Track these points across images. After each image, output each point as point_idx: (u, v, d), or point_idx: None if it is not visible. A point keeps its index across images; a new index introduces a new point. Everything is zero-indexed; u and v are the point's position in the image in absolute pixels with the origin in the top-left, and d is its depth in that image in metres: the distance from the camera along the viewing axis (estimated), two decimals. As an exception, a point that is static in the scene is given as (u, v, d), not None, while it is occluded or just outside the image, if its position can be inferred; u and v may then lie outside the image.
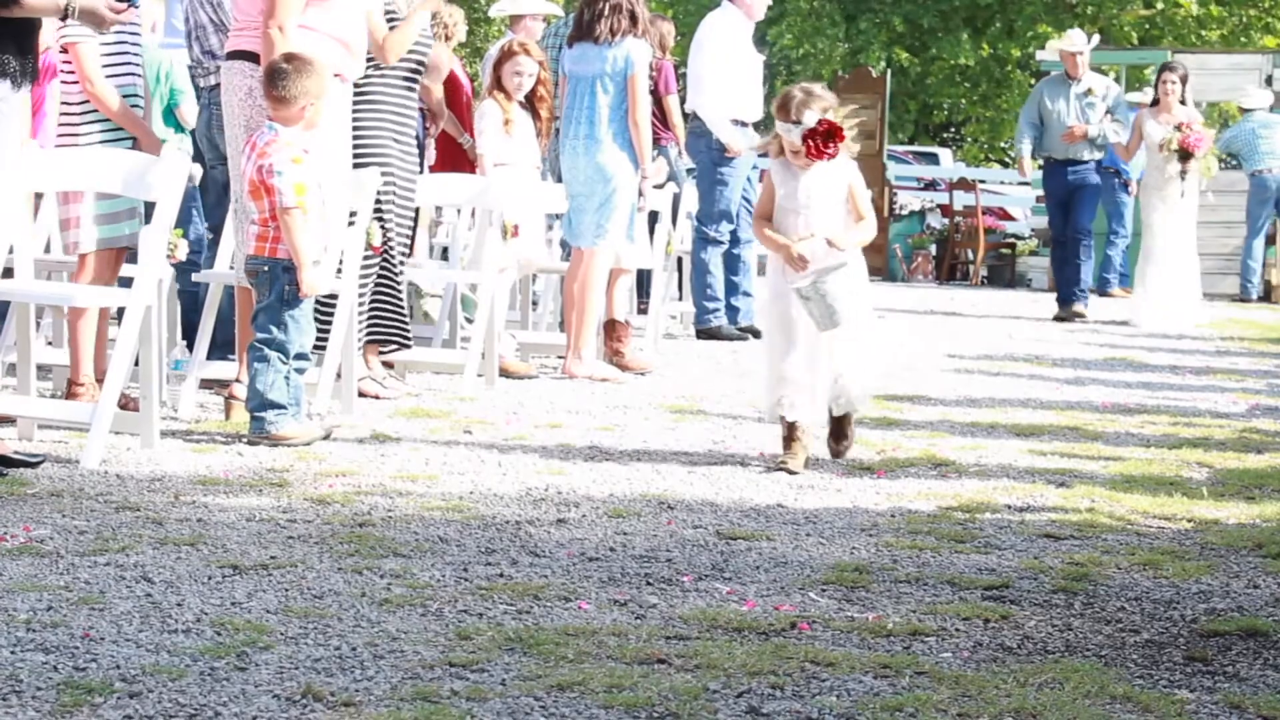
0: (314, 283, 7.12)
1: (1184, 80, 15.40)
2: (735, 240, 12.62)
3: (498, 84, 10.49)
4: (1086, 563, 5.38)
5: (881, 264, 21.90)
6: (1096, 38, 17.00)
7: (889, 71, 28.16)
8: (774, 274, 7.13)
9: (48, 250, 8.37)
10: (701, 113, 12.31)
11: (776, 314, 7.06)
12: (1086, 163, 15.83)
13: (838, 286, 6.76)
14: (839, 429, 7.30)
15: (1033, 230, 22.45)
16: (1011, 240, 22.58)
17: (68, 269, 8.16)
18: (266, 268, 7.11)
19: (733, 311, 12.62)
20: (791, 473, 6.88)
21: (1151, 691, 4.03)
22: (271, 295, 7.11)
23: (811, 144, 6.85)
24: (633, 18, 9.81)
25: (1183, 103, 15.24)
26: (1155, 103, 15.45)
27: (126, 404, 7.30)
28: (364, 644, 4.19)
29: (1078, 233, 15.84)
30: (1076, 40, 16.38)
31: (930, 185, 26.48)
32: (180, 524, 5.52)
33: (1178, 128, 14.87)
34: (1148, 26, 31.54)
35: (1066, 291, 15.78)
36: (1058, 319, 15.35)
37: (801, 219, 7.00)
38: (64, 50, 7.59)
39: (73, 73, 7.58)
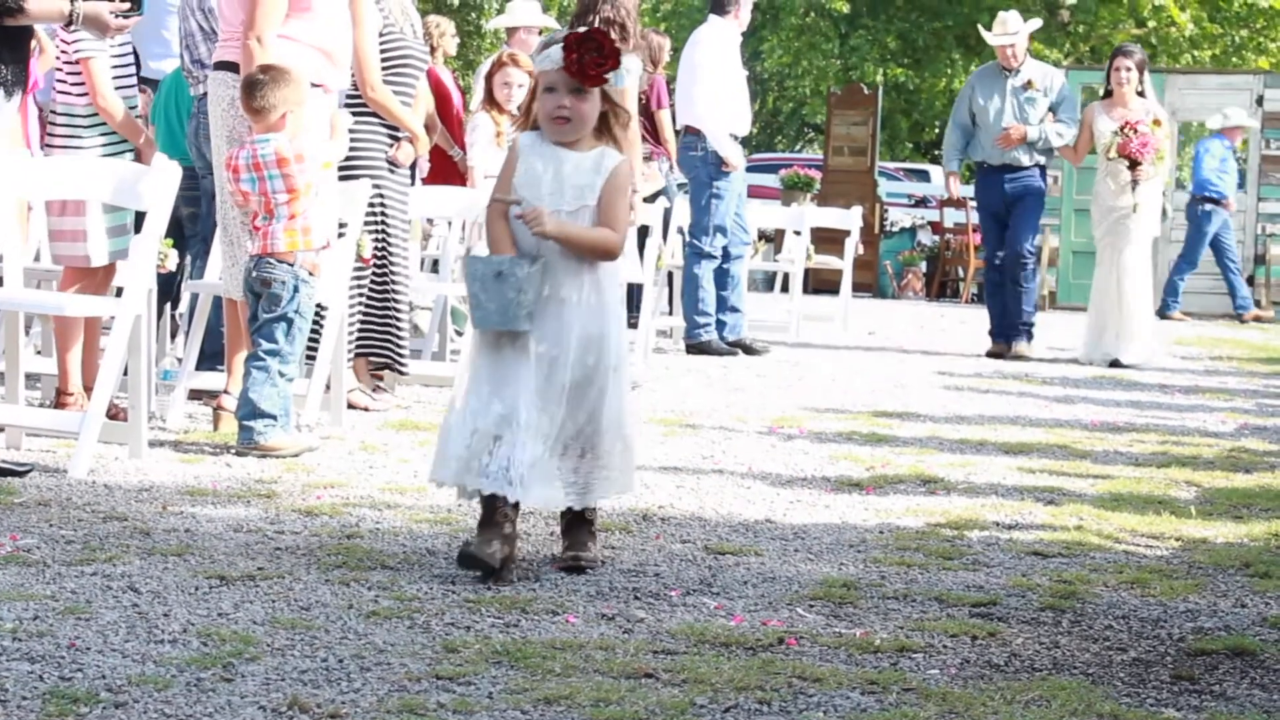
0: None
1: (1141, 67, 13.08)
2: (725, 255, 12.65)
3: (490, 97, 10.50)
4: (1074, 580, 5.38)
5: (872, 280, 21.96)
6: (1037, 21, 14.21)
7: (881, 88, 28.21)
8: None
9: (37, 259, 8.37)
10: (701, 126, 12.35)
11: (491, 339, 5.20)
12: (1027, 169, 13.17)
13: (527, 281, 5.09)
14: (575, 528, 5.34)
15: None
16: (1002, 258, 22.58)
17: (56, 278, 8.17)
18: (285, 278, 7.07)
19: (720, 326, 12.63)
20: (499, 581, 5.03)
21: (1138, 710, 4.03)
22: (287, 305, 7.07)
23: (573, 56, 5.11)
24: (623, 32, 9.81)
25: (1140, 94, 12.98)
26: (1108, 94, 13.12)
27: (115, 414, 7.29)
28: (351, 656, 4.19)
29: (1019, 254, 13.25)
30: (1010, 24, 13.44)
31: (921, 202, 26.52)
32: (168, 534, 5.51)
33: (1121, 129, 12.68)
34: (1140, 45, 31.58)
35: (1003, 324, 13.36)
36: (991, 355, 13.23)
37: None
38: (71, 63, 7.69)
39: (80, 84, 7.68)
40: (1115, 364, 12.60)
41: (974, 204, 14.81)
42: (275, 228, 7.07)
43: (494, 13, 28.26)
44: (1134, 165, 12.65)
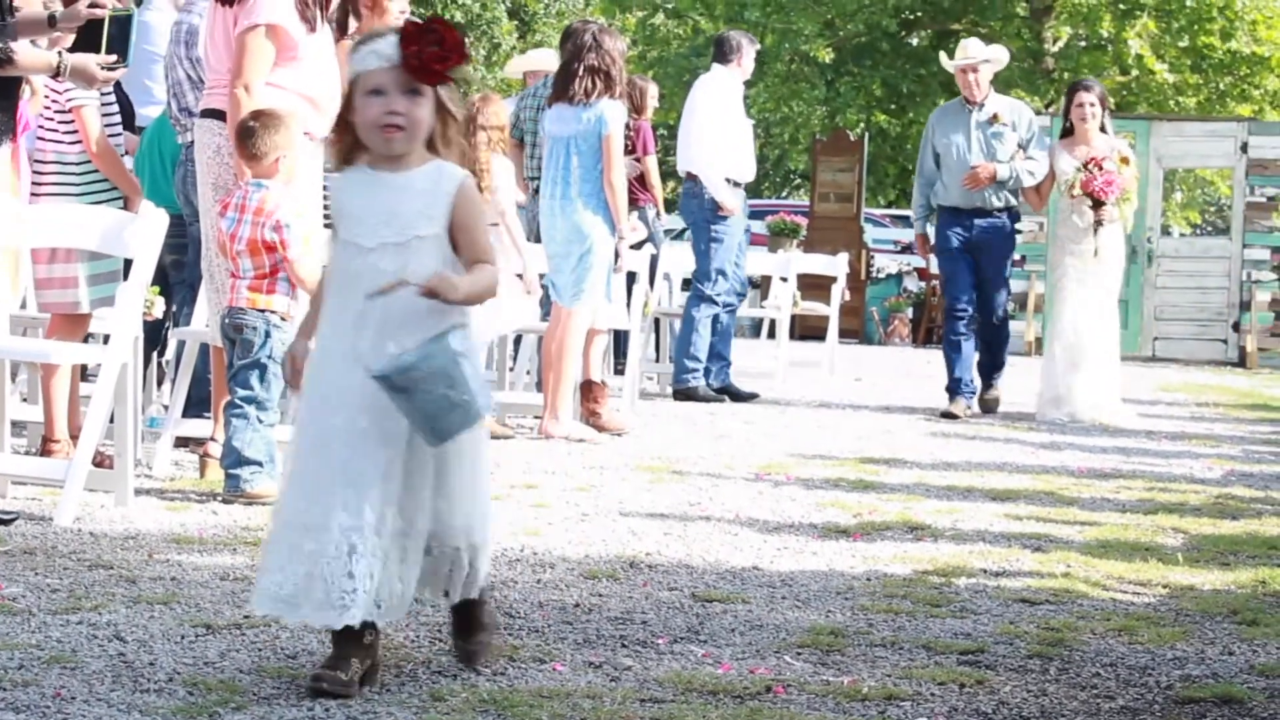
0: None
1: (1103, 102, 11.97)
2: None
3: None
4: (1062, 628, 5.37)
5: (858, 326, 21.99)
6: (1001, 49, 12.81)
7: (867, 135, 28.30)
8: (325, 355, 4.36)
9: (23, 306, 8.36)
10: (698, 172, 12.43)
11: (315, 429, 4.34)
12: (997, 213, 12.12)
13: (453, 367, 4.15)
14: (466, 620, 4.59)
15: (1009, 295, 22.48)
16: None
17: (42, 325, 8.16)
18: (257, 324, 7.11)
19: (706, 373, 12.65)
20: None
21: (1127, 758, 4.02)
22: (259, 351, 7.10)
23: (413, 49, 4.25)
24: (607, 79, 9.84)
25: (1103, 130, 11.96)
26: (1068, 131, 12.07)
27: (101, 461, 7.28)
28: (337, 705, 4.17)
29: (995, 312, 12.27)
30: (971, 49, 12.36)
31: (907, 249, 26.60)
32: (154, 582, 5.49)
33: (1085, 165, 11.67)
34: (1124, 93, 31.74)
35: (960, 382, 12.18)
36: (985, 408, 12.36)
37: (372, 257, 4.29)
38: (63, 111, 7.73)
39: (72, 131, 7.73)
40: (1072, 419, 11.72)
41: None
42: (241, 282, 7.14)
43: (481, 62, 28.37)
44: (1097, 205, 11.67)
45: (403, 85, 4.26)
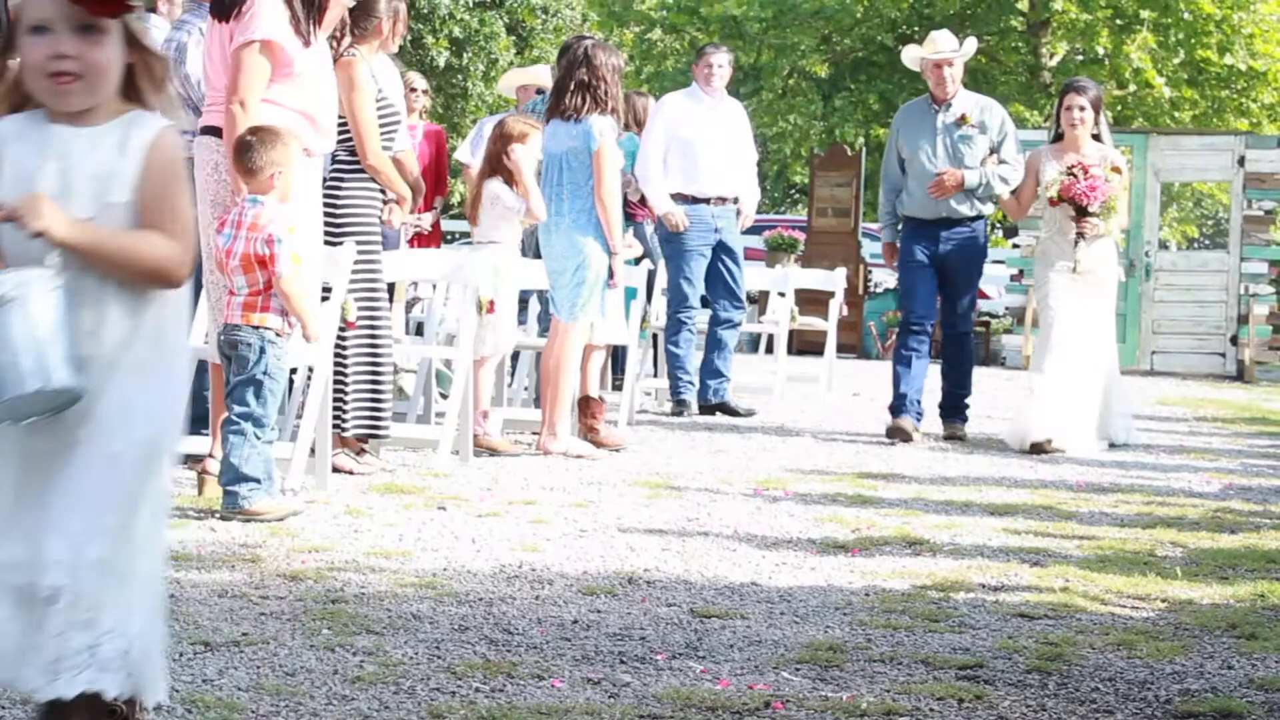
0: (317, 329, 7.22)
1: (1096, 106, 10.85)
2: (716, 319, 12.70)
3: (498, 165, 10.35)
4: (1061, 642, 5.37)
5: (856, 341, 21.99)
6: (973, 42, 11.50)
7: (865, 149, 28.31)
8: None
9: None
10: (642, 187, 12.52)
11: None
12: (967, 223, 11.06)
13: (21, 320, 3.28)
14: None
15: (1006, 308, 22.53)
16: (986, 318, 22.68)
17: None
18: (252, 340, 7.12)
19: (705, 389, 12.63)
20: None
21: (1126, 773, 4.02)
22: (254, 368, 7.10)
23: None
24: (596, 94, 9.83)
25: (1096, 138, 10.88)
26: (1058, 137, 10.98)
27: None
28: (336, 722, 4.17)
29: (959, 330, 11.21)
30: (940, 43, 11.18)
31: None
32: (152, 600, 5.48)
33: (1069, 170, 10.59)
34: (1120, 108, 31.79)
35: (904, 401, 11.10)
36: (893, 434, 11.05)
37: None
38: None
39: None
40: (1036, 449, 10.59)
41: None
42: (236, 299, 7.15)
43: (479, 77, 28.41)
44: (1080, 213, 10.61)
45: (73, 20, 3.35)
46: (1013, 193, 11.11)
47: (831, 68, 33.30)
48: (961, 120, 11.03)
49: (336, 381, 8.33)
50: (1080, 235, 10.65)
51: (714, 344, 12.68)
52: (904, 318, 11.24)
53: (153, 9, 10.18)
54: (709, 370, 12.66)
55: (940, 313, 11.20)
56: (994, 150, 11.08)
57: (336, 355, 8.26)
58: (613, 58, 9.94)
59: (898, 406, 11.12)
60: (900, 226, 11.27)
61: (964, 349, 11.30)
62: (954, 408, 11.38)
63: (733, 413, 12.53)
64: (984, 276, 23.76)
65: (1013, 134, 11.13)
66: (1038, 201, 11.00)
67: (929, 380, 11.27)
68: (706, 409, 12.54)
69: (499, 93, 28.15)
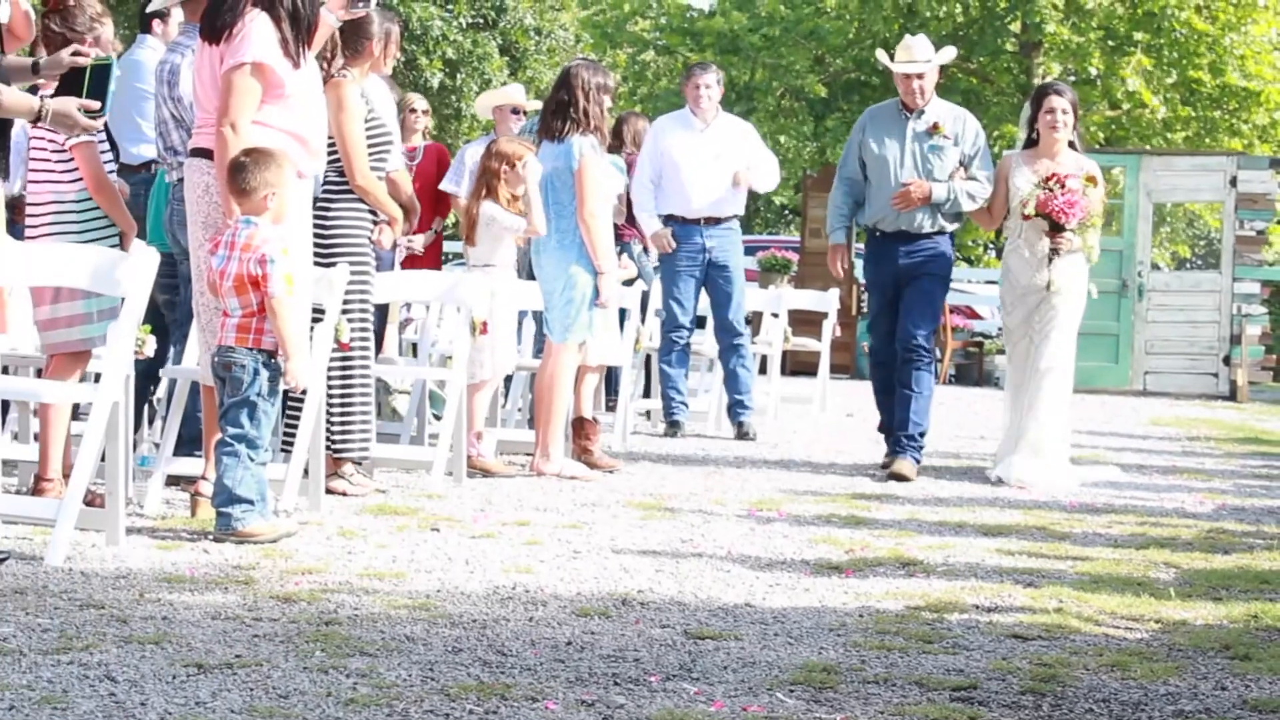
0: (301, 373, 7.17)
1: (1075, 110, 10.12)
2: (723, 352, 12.67)
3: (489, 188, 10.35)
4: (1054, 663, 5.37)
5: (850, 362, 21.98)
6: (950, 50, 10.88)
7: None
8: None
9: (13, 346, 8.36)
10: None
11: None
12: (929, 238, 10.27)
13: None
14: None
15: (999, 329, 22.54)
16: (979, 339, 22.68)
17: (34, 364, 8.15)
18: (246, 361, 7.11)
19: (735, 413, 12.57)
20: None
21: (1120, 794, 4.02)
22: (248, 389, 7.10)
23: None
24: (576, 115, 9.83)
25: (1072, 146, 10.13)
26: (1032, 143, 10.17)
27: (93, 500, 7.27)
28: (329, 745, 4.16)
29: (910, 347, 10.18)
30: (917, 50, 10.35)
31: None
32: (145, 622, 5.48)
33: (1044, 181, 9.85)
34: (1114, 127, 31.83)
35: (897, 438, 10.29)
36: (894, 476, 10.04)
37: None
38: (60, 151, 7.72)
39: (69, 171, 7.70)
40: (1000, 482, 10.03)
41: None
42: (230, 321, 7.14)
43: (472, 98, 28.41)
44: (1055, 229, 9.90)
45: None
46: (987, 209, 10.33)
47: (825, 88, 33.33)
48: (934, 129, 10.27)
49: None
50: (1055, 251, 9.95)
51: (730, 380, 12.57)
52: (873, 347, 10.56)
53: (148, 31, 10.20)
54: (736, 405, 12.56)
55: (897, 330, 10.29)
56: (964, 164, 10.32)
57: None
58: (596, 76, 9.91)
59: (896, 442, 10.34)
60: (862, 238, 10.60)
61: (916, 371, 10.21)
62: (900, 441, 10.29)
63: (744, 436, 12.44)
64: (976, 297, 23.44)
65: (985, 149, 10.38)
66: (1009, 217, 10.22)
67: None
68: (742, 436, 12.44)
69: (472, 114, 28.20)
